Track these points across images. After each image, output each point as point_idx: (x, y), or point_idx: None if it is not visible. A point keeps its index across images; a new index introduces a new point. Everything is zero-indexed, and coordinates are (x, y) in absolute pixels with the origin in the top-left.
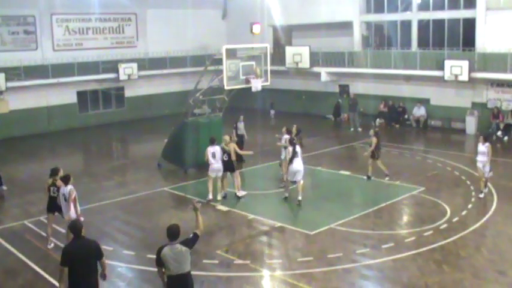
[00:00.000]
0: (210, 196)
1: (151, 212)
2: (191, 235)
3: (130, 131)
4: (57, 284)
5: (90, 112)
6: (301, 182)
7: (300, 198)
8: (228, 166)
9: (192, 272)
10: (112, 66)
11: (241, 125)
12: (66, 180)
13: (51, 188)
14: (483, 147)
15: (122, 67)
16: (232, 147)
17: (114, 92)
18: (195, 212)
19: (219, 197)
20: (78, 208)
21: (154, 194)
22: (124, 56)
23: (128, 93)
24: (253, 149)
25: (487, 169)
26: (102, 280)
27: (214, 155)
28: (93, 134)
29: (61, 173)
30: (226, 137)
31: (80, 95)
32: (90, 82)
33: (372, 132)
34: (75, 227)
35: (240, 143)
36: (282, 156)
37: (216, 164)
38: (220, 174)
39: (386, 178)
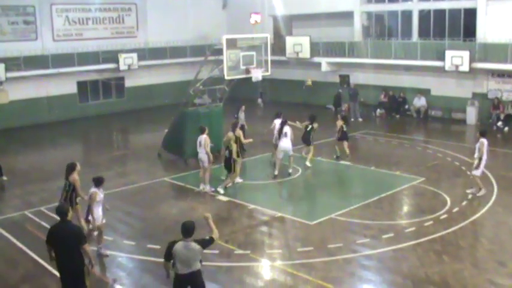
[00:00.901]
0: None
1: (151, 202)
2: (207, 237)
3: (130, 121)
4: (57, 273)
5: (90, 102)
6: (291, 157)
7: (290, 170)
8: (227, 164)
9: None
10: (112, 56)
11: (242, 115)
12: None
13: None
14: (477, 144)
15: (122, 57)
16: (235, 147)
17: (114, 82)
18: (206, 220)
19: (202, 187)
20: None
21: (155, 184)
22: (124, 46)
23: (128, 83)
24: (253, 138)
25: (474, 166)
26: (91, 268)
27: (200, 143)
28: (93, 124)
29: (78, 168)
30: (230, 135)
31: (80, 85)
32: (90, 72)
33: (339, 116)
34: (60, 210)
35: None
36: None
37: (200, 154)
38: (205, 165)
39: (335, 157)
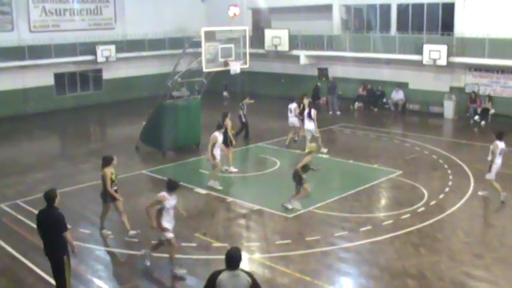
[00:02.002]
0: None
1: (129, 195)
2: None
3: (108, 113)
4: (35, 268)
5: (67, 94)
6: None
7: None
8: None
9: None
10: (90, 48)
11: (245, 106)
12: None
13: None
14: (491, 146)
15: (99, 49)
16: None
17: (91, 74)
18: None
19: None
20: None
21: (133, 177)
22: (102, 38)
23: (106, 75)
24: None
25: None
26: (73, 257)
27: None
28: (70, 117)
29: (115, 162)
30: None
31: (57, 77)
32: (68, 64)
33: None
34: (46, 195)
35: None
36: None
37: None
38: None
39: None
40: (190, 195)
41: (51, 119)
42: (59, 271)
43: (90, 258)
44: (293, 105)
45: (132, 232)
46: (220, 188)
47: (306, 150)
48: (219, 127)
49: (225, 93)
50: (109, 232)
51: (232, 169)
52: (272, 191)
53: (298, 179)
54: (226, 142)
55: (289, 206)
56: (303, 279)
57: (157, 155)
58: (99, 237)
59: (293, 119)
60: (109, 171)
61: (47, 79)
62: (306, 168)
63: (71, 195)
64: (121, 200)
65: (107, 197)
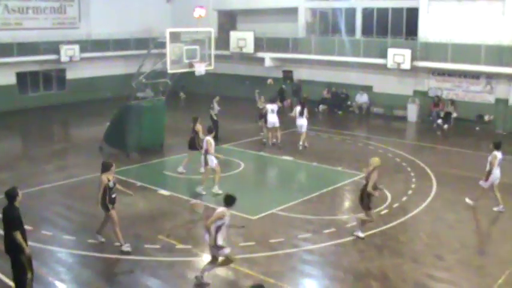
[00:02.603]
0: None
1: (92, 196)
2: None
3: (71, 114)
4: None
5: (30, 94)
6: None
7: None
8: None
9: (133, 257)
10: (53, 47)
11: (216, 106)
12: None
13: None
14: (489, 156)
15: (63, 48)
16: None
17: (55, 73)
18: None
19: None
20: None
21: (96, 178)
22: (66, 37)
23: (70, 75)
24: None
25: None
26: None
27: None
28: (32, 117)
29: (113, 168)
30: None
31: (20, 76)
32: (30, 63)
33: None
34: (7, 193)
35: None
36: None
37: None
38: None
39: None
40: (154, 196)
41: (13, 118)
42: (17, 271)
43: (51, 260)
44: (274, 106)
45: (125, 247)
46: (220, 192)
47: (371, 167)
48: (211, 131)
49: (181, 94)
50: (103, 239)
51: (182, 169)
52: (236, 193)
53: (367, 201)
54: (195, 146)
55: (361, 235)
56: (266, 281)
57: (121, 156)
58: (61, 239)
59: (274, 120)
60: (106, 177)
61: (9, 78)
62: (374, 188)
63: (33, 196)
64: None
65: (107, 204)
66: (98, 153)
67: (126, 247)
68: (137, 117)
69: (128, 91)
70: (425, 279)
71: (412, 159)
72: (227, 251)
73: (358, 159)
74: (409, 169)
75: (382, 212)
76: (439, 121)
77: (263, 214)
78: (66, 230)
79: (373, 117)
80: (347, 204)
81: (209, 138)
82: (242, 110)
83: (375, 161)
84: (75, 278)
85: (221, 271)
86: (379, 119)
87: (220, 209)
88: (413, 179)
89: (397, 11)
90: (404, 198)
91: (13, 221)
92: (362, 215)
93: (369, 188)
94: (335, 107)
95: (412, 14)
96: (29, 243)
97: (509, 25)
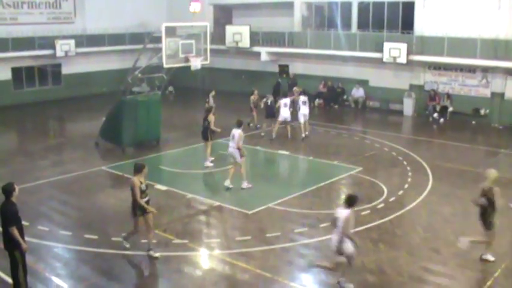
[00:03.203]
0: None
1: (88, 192)
2: None
3: (67, 109)
4: None
5: (25, 89)
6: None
7: (303, 135)
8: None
9: (130, 252)
10: (48, 42)
11: (211, 100)
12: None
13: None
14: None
15: (58, 43)
16: (212, 118)
17: (50, 69)
18: None
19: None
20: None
21: (92, 173)
22: (61, 32)
23: (65, 70)
24: (193, 128)
25: None
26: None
27: (233, 137)
28: (28, 112)
29: (146, 170)
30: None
31: (15, 71)
32: (26, 58)
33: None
34: (3, 188)
35: None
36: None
37: (231, 148)
38: (237, 160)
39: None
40: (150, 191)
41: (9, 114)
42: (13, 267)
43: (48, 255)
44: (287, 100)
45: (154, 253)
46: (250, 185)
47: (490, 184)
48: (240, 124)
49: (170, 89)
50: (127, 245)
51: (208, 163)
52: (232, 187)
53: (491, 219)
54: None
55: (491, 258)
56: (263, 276)
57: (117, 151)
58: (58, 234)
59: (287, 114)
60: (138, 180)
61: (4, 73)
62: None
63: (29, 192)
64: (154, 212)
65: (136, 209)
66: (93, 149)
67: (155, 254)
68: (132, 112)
69: (124, 86)
70: (422, 273)
71: (408, 153)
72: (349, 250)
73: (354, 154)
74: (405, 163)
75: (379, 206)
76: (435, 115)
77: (259, 208)
78: (63, 225)
79: (369, 111)
80: (343, 198)
81: (240, 131)
82: (238, 104)
83: (492, 174)
84: (72, 273)
85: (218, 265)
86: (375, 113)
87: (346, 212)
88: (410, 173)
89: (393, 5)
90: (400, 192)
91: (7, 216)
92: (478, 238)
93: (499, 204)
94: (331, 101)
95: (408, 8)
96: (25, 238)
97: (505, 19)
